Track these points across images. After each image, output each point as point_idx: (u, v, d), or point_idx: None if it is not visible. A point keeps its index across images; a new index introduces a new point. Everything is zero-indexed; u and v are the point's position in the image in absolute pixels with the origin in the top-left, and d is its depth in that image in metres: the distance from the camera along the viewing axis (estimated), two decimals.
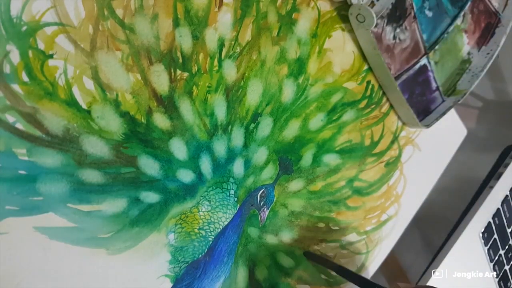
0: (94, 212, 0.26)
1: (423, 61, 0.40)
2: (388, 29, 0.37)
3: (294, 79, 0.34)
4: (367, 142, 0.39)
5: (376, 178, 0.41)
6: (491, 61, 0.44)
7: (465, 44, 0.44)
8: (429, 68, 0.41)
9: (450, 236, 0.46)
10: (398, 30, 0.37)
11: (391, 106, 0.41)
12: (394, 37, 0.37)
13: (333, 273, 0.39)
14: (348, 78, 0.37)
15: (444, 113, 0.41)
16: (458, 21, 0.42)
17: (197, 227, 0.30)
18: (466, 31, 0.44)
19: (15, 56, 0.22)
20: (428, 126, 0.41)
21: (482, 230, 0.46)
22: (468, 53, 0.44)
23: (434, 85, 0.42)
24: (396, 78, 0.38)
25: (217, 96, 0.30)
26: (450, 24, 0.41)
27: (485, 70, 0.43)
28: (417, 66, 0.40)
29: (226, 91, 0.30)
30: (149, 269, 0.28)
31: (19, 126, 0.23)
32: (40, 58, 0.23)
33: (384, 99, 0.40)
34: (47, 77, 0.23)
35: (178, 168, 0.29)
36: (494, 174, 0.49)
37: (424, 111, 0.42)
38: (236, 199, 0.32)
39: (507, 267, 0.48)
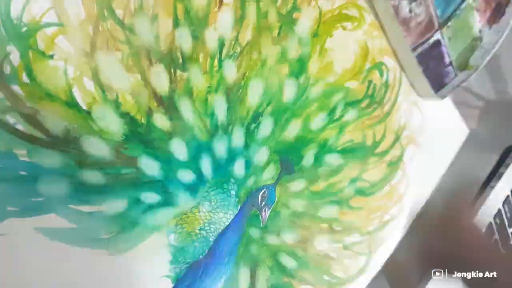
0: (95, 213, 0.25)
1: (437, 35, 0.41)
2: (404, 2, 0.38)
3: (295, 79, 0.34)
4: (369, 141, 0.39)
5: (379, 177, 0.41)
6: (502, 38, 0.44)
7: (476, 22, 0.45)
8: (442, 43, 0.42)
9: None
10: (413, 4, 0.39)
11: (393, 105, 0.41)
12: (410, 11, 0.38)
13: (336, 273, 0.39)
14: (350, 77, 0.37)
15: (458, 86, 0.42)
16: None
17: (198, 228, 0.30)
18: (478, 9, 0.44)
19: (15, 57, 0.22)
20: (443, 97, 0.42)
21: (483, 230, 0.46)
22: (480, 31, 0.45)
23: (447, 60, 0.43)
24: (412, 51, 0.39)
25: (217, 96, 0.30)
26: (462, 1, 0.42)
27: (496, 47, 0.44)
28: (431, 40, 0.41)
29: (226, 91, 0.30)
30: (150, 269, 0.28)
31: (20, 127, 0.23)
32: (40, 59, 0.23)
33: (386, 98, 0.40)
34: (47, 78, 0.23)
35: (178, 169, 0.29)
36: (495, 174, 0.49)
37: (439, 84, 0.43)
38: (237, 199, 0.32)
39: None
